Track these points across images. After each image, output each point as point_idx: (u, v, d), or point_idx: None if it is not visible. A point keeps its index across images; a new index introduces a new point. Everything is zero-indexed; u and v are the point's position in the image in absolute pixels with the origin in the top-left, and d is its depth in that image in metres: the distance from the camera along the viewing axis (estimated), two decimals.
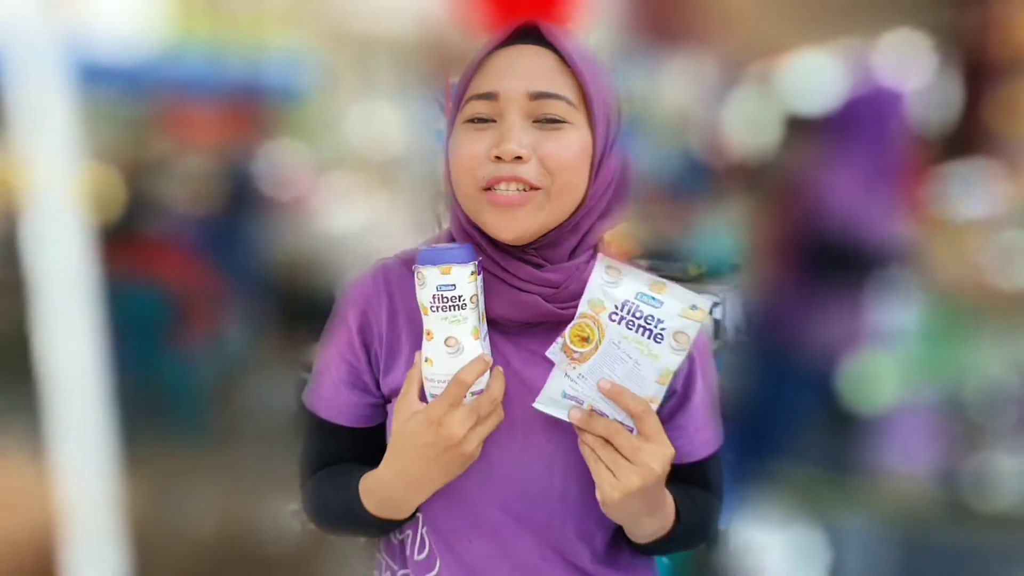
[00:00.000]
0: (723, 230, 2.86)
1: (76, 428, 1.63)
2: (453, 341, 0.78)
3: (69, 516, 1.73)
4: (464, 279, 0.77)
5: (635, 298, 0.79)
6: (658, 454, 0.77)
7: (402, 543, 0.95)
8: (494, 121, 0.84)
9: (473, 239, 0.89)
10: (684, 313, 0.79)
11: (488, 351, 0.82)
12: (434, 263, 0.78)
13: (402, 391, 0.83)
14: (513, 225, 0.84)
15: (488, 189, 0.84)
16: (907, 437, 2.28)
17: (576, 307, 0.87)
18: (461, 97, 0.87)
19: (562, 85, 0.83)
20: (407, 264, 0.91)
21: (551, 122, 0.83)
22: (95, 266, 1.65)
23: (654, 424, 0.78)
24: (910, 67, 2.35)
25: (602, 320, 0.80)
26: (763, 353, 2.14)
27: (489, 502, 0.89)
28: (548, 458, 0.89)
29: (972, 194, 3.14)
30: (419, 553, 0.93)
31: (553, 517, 0.90)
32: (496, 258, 0.88)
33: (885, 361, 2.33)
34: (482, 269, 0.80)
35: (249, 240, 4.63)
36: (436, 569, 0.91)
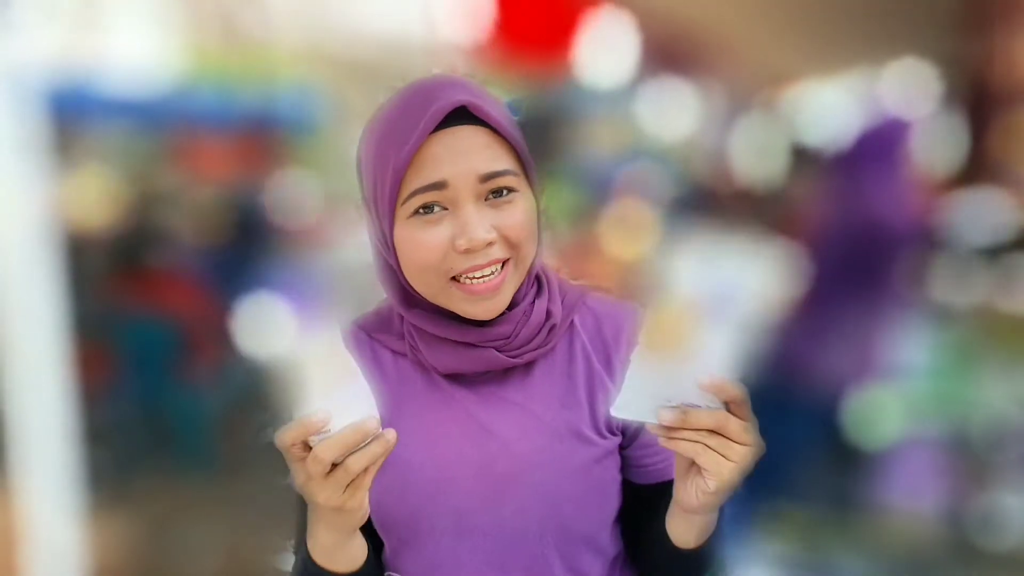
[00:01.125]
0: (731, 256, 2.85)
1: (43, 472, 1.60)
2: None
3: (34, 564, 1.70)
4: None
5: (711, 285, 0.79)
6: (754, 431, 0.79)
7: None
8: (444, 208, 0.82)
9: (413, 323, 0.89)
10: (759, 295, 0.79)
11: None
12: None
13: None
14: (493, 306, 0.85)
15: (455, 278, 0.84)
16: (912, 474, 2.23)
17: (529, 351, 0.88)
18: (395, 192, 0.83)
19: (504, 159, 0.83)
20: (364, 330, 0.94)
21: (500, 194, 0.83)
22: (62, 299, 1.63)
23: (748, 405, 0.78)
24: (916, 97, 2.34)
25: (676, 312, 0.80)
26: (764, 387, 2.12)
27: (466, 554, 0.87)
28: (520, 500, 0.86)
29: (979, 222, 3.13)
30: None
31: (535, 559, 0.87)
32: (443, 327, 0.87)
33: (890, 396, 2.30)
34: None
35: (258, 272, 4.65)
36: None
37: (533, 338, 0.88)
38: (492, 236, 0.82)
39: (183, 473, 3.49)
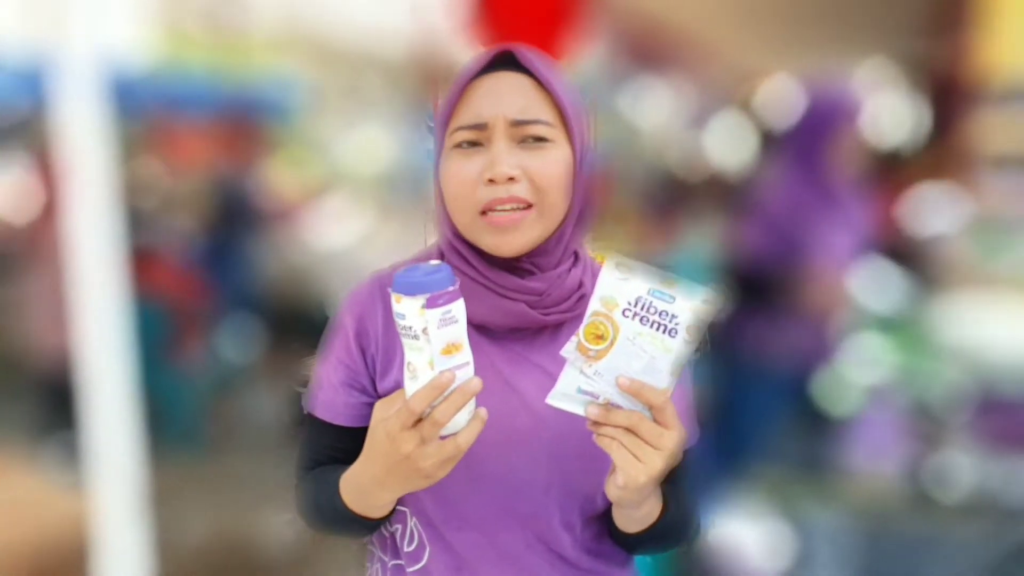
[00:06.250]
0: (699, 246, 2.95)
1: (106, 440, 1.64)
2: (411, 367, 0.79)
3: (98, 527, 1.75)
4: (413, 311, 0.76)
5: (648, 294, 0.81)
6: (675, 438, 0.82)
7: (393, 536, 0.98)
8: (482, 145, 0.89)
9: (460, 253, 0.93)
10: (696, 307, 0.80)
11: (462, 374, 0.79)
12: (394, 289, 0.78)
13: (393, 394, 0.87)
14: (512, 242, 0.89)
15: (484, 212, 0.88)
16: (875, 436, 2.39)
17: (558, 312, 0.92)
18: (446, 124, 0.91)
19: (541, 109, 0.89)
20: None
21: (536, 141, 0.89)
22: (125, 280, 1.69)
23: (672, 413, 0.82)
24: (878, 90, 2.41)
25: (616, 317, 0.81)
26: (735, 358, 2.21)
27: (475, 495, 0.93)
28: (532, 452, 0.92)
29: (938, 212, 3.26)
30: (409, 544, 0.97)
31: (538, 508, 0.93)
32: (482, 270, 0.92)
33: (853, 366, 2.47)
34: (451, 299, 0.79)
35: (242, 256, 4.66)
36: (425, 559, 0.95)
37: (563, 301, 0.92)
38: (516, 172, 0.87)
39: (170, 453, 3.52)
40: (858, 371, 2.49)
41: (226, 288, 4.23)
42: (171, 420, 3.58)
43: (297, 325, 3.63)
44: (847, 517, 2.27)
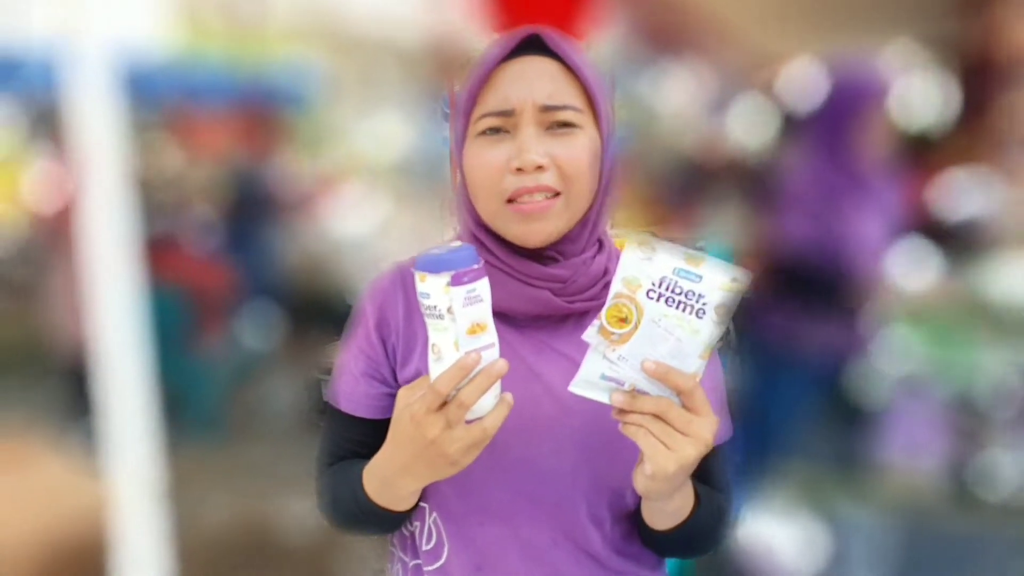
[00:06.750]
0: (721, 232, 2.90)
1: (122, 428, 1.65)
2: (436, 349, 0.77)
3: (115, 514, 1.76)
4: (438, 289, 0.75)
5: (673, 274, 0.76)
6: (707, 425, 0.78)
7: (412, 535, 0.96)
8: (508, 132, 0.86)
9: (482, 242, 0.90)
10: (724, 286, 0.76)
11: (488, 355, 0.77)
12: (418, 268, 0.76)
13: (417, 379, 0.84)
14: (539, 231, 0.86)
15: (510, 201, 0.86)
16: (912, 431, 2.31)
17: (582, 300, 0.89)
18: (469, 110, 0.88)
19: (570, 94, 0.86)
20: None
21: (563, 127, 0.86)
22: (140, 269, 1.69)
23: (701, 397, 0.78)
24: (906, 72, 2.33)
25: (639, 299, 0.77)
26: (764, 349, 2.15)
27: (498, 484, 0.90)
28: (558, 442, 0.89)
29: (972, 197, 3.17)
30: (427, 543, 0.94)
31: (563, 499, 0.90)
32: (504, 257, 0.89)
33: (888, 357, 2.38)
34: (476, 276, 0.77)
35: (261, 244, 4.68)
36: (444, 557, 0.92)
37: (588, 289, 0.90)
38: (544, 161, 0.84)
39: (191, 440, 3.54)
40: (893, 362, 2.40)
41: (246, 276, 4.24)
42: (192, 408, 3.60)
43: (316, 313, 3.63)
44: (884, 515, 2.20)
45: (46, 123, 4.48)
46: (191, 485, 3.16)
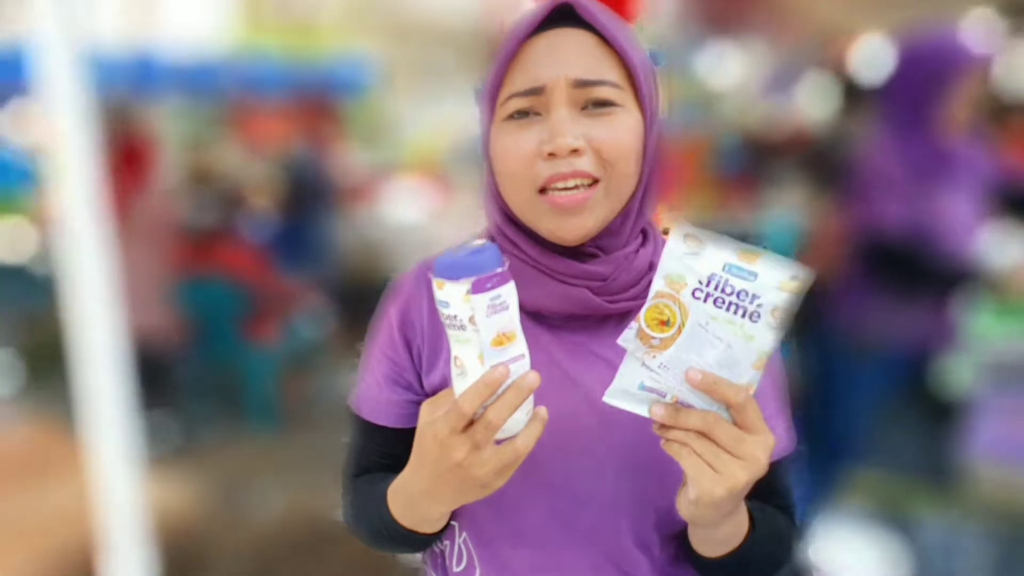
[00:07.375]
0: (786, 213, 2.75)
1: (106, 432, 1.68)
2: (459, 362, 0.70)
3: (104, 523, 1.79)
4: (457, 298, 0.67)
5: (724, 270, 0.67)
6: (761, 444, 0.68)
7: (443, 553, 0.88)
8: (539, 114, 0.77)
9: (510, 238, 0.82)
10: (783, 285, 0.66)
11: (516, 368, 0.69)
12: (436, 274, 0.68)
13: (440, 393, 0.78)
14: (575, 226, 0.77)
15: (543, 191, 0.77)
16: (1004, 430, 2.09)
17: (625, 300, 0.79)
18: (496, 91, 0.79)
19: (607, 68, 0.76)
20: None
21: (600, 106, 0.76)
22: (113, 261, 1.70)
23: (755, 412, 0.68)
24: (991, 41, 2.16)
25: (684, 299, 0.68)
26: (837, 339, 2.00)
27: (532, 505, 0.81)
28: (598, 458, 0.80)
29: None
30: (458, 564, 0.86)
31: (604, 523, 0.81)
32: (536, 254, 0.80)
33: (979, 347, 2.16)
34: (500, 281, 0.68)
35: (317, 234, 4.73)
36: None
37: (631, 287, 0.80)
38: (580, 144, 0.75)
39: (247, 431, 3.60)
40: (983, 352, 2.17)
41: (302, 266, 4.28)
42: (248, 398, 3.66)
43: (371, 302, 3.64)
44: (973, 526, 2.00)
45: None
46: (249, 474, 3.22)
